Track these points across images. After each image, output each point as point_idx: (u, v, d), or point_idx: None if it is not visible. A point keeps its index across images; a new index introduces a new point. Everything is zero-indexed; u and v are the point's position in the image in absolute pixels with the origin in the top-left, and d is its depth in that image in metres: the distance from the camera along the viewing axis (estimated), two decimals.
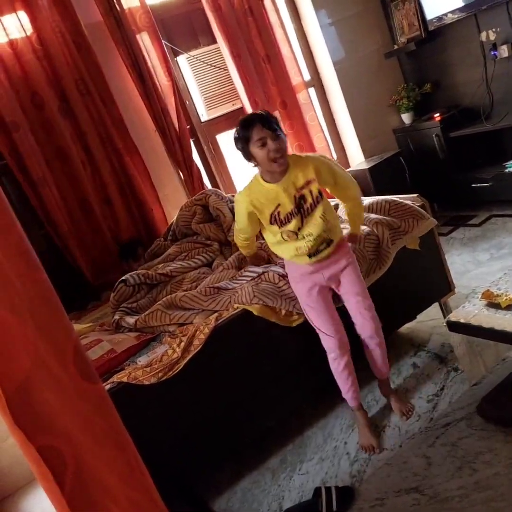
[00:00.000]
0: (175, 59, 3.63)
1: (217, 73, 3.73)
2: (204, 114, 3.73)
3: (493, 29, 3.57)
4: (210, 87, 3.72)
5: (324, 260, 2.00)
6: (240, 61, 3.62)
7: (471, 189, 3.86)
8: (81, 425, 0.85)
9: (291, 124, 3.89)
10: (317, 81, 4.26)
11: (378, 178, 3.95)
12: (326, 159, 2.01)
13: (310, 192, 1.92)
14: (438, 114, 3.99)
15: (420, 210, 2.46)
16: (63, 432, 0.82)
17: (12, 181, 3.07)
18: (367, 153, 4.27)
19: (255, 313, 2.08)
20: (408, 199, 2.53)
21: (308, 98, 3.97)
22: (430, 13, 3.82)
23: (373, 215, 2.42)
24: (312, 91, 4.18)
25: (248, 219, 2.00)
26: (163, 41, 3.41)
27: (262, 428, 2.24)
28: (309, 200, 1.93)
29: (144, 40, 3.34)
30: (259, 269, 2.31)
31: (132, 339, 2.16)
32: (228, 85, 3.76)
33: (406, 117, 4.27)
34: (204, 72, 3.69)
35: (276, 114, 3.59)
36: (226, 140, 3.85)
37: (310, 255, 1.97)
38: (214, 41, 3.65)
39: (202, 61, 3.67)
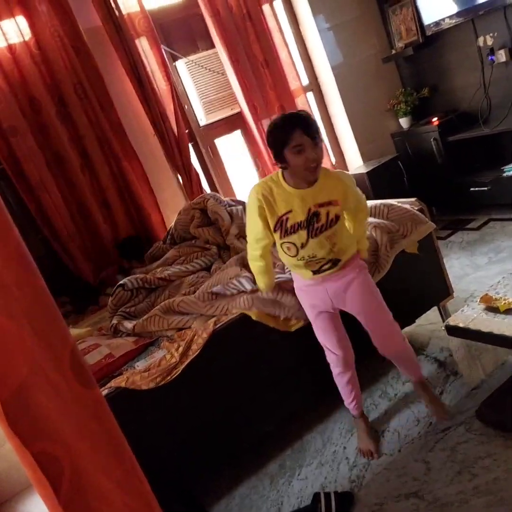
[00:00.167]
0: (173, 63, 3.64)
1: (215, 77, 3.74)
2: (202, 118, 3.73)
3: (491, 34, 3.59)
4: (208, 91, 3.72)
5: (328, 274, 1.92)
6: (239, 66, 3.63)
7: (469, 193, 3.87)
8: (77, 431, 0.85)
9: None
10: (315, 86, 4.27)
11: (376, 182, 3.96)
12: (352, 181, 1.90)
13: (327, 213, 1.80)
14: (436, 119, 3.99)
15: (419, 214, 2.45)
16: (60, 438, 0.82)
17: (9, 186, 3.07)
18: (365, 157, 4.28)
19: (254, 317, 2.07)
20: (406, 203, 2.53)
21: (306, 103, 3.98)
22: (428, 18, 3.83)
23: (371, 219, 2.42)
24: (310, 95, 4.20)
25: (259, 216, 1.83)
26: (162, 46, 3.41)
27: (261, 433, 2.23)
28: (322, 220, 1.80)
29: (143, 45, 3.34)
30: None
31: (130, 344, 2.15)
32: (227, 90, 3.77)
33: (404, 122, 4.28)
34: (203, 76, 3.69)
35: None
36: (225, 144, 3.85)
37: (313, 272, 1.91)
38: (212, 46, 3.66)
39: (201, 66, 3.68)
